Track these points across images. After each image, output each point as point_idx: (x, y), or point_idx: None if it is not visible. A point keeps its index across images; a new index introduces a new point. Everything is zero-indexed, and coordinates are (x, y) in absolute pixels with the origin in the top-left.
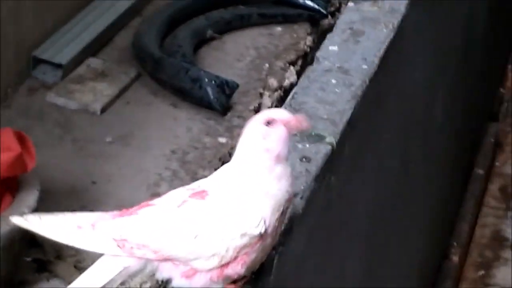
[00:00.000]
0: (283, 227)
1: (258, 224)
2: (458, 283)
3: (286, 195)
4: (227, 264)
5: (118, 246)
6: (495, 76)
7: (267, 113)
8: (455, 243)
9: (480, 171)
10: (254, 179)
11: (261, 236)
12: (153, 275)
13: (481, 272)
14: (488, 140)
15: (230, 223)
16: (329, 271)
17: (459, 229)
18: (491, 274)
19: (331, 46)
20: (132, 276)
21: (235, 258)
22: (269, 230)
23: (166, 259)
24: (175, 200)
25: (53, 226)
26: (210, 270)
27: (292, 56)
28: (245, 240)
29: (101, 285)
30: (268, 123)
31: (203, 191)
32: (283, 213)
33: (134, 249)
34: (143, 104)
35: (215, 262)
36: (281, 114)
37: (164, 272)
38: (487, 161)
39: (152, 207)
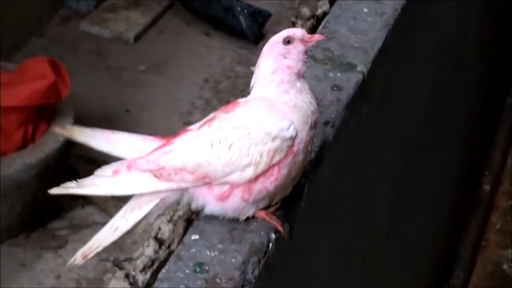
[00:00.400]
0: (313, 151)
1: (289, 127)
2: (490, 212)
3: (312, 107)
4: (258, 177)
5: (156, 176)
6: None
7: (284, 32)
8: (487, 172)
9: None
10: (280, 93)
11: (292, 145)
12: (188, 205)
13: None
14: None
15: (261, 128)
16: (360, 199)
17: (491, 158)
18: None
19: None
20: (169, 208)
21: (269, 169)
22: (301, 146)
23: (203, 180)
24: (206, 118)
25: (89, 184)
26: (245, 184)
27: None
28: (277, 143)
29: (140, 218)
30: (286, 41)
31: (234, 103)
32: (311, 128)
33: (172, 175)
34: (176, 33)
35: (250, 172)
36: (297, 32)
37: (199, 198)
38: None
39: (184, 134)
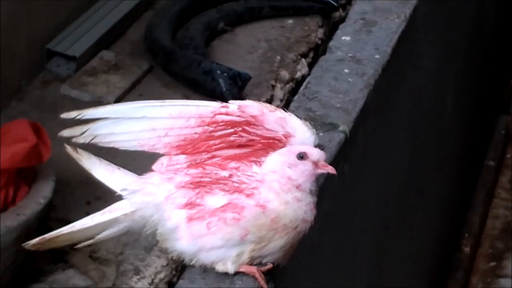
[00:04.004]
0: None
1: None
2: (470, 274)
3: (305, 216)
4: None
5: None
6: (505, 69)
7: (303, 148)
8: (466, 234)
9: (491, 163)
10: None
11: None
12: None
13: (493, 263)
14: (499, 132)
15: None
16: (342, 258)
17: (470, 220)
18: (502, 265)
19: (343, 36)
20: (137, 223)
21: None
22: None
23: None
24: None
25: None
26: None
27: (303, 49)
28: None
29: (104, 220)
30: (300, 156)
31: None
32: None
33: None
34: (156, 96)
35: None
36: (315, 153)
37: (170, 220)
38: (498, 153)
39: None
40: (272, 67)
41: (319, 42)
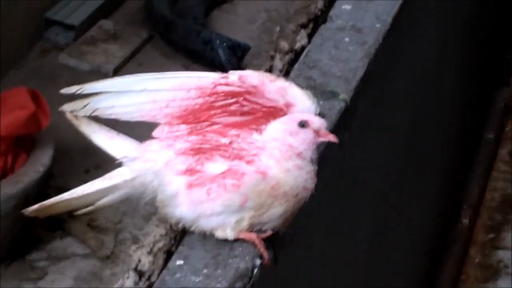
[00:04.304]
0: None
1: None
2: (468, 246)
3: (306, 184)
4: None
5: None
6: (506, 40)
7: (304, 116)
8: (465, 206)
9: (490, 136)
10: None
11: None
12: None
13: (491, 235)
14: (498, 105)
15: None
16: (342, 227)
17: (469, 193)
18: (501, 237)
19: (344, 5)
20: (137, 189)
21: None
22: (280, 190)
23: None
24: None
25: None
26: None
27: (303, 19)
28: None
29: (104, 186)
30: (301, 124)
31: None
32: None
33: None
34: (155, 66)
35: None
36: (316, 121)
37: (170, 186)
38: (497, 126)
39: None
40: (271, 38)
41: (319, 13)
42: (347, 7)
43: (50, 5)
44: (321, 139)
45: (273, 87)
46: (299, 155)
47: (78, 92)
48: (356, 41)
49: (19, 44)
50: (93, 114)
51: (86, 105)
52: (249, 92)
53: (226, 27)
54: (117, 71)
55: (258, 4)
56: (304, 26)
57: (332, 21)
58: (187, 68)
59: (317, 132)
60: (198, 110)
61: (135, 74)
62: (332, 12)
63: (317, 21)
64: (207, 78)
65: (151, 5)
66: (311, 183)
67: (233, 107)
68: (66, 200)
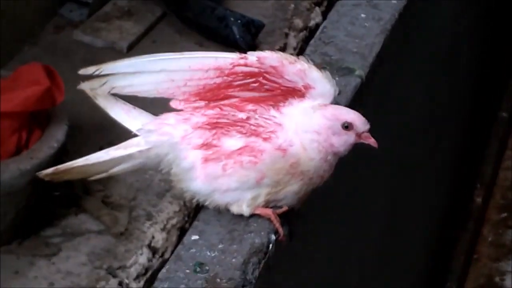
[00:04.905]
0: None
1: None
2: (481, 225)
3: (323, 173)
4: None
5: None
6: None
7: (350, 116)
8: (478, 185)
9: (504, 114)
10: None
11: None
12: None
13: (504, 214)
14: None
15: None
16: (357, 204)
17: (482, 171)
18: None
19: None
20: (152, 160)
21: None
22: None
23: None
24: None
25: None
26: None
27: None
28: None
29: (119, 155)
30: (345, 126)
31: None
32: (308, 184)
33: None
34: (169, 43)
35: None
36: (360, 124)
37: (186, 160)
38: (511, 104)
39: None
40: (285, 15)
41: None
42: None
43: None
44: (362, 141)
45: (293, 69)
46: (335, 154)
47: (96, 73)
48: (372, 17)
49: (34, 20)
50: (111, 92)
51: (104, 83)
52: (268, 73)
53: (241, 4)
54: (131, 48)
55: None
56: (318, 4)
57: None
58: (200, 45)
59: (359, 135)
60: (217, 88)
61: (153, 54)
62: None
63: None
64: (225, 59)
65: None
66: (328, 174)
67: (251, 86)
68: (80, 166)
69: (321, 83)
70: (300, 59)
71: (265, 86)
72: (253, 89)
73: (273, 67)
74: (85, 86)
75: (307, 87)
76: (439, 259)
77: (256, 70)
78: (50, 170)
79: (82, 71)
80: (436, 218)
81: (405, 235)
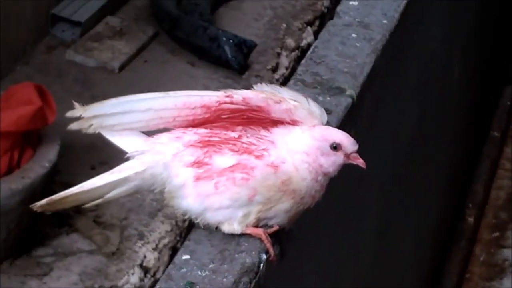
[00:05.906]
0: None
1: None
2: (473, 244)
3: (314, 193)
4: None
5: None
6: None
7: (337, 137)
8: (470, 205)
9: (496, 134)
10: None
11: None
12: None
13: (496, 234)
14: (504, 103)
15: None
16: (348, 224)
17: (474, 191)
18: (505, 236)
19: (351, 1)
20: (147, 181)
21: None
22: (291, 186)
23: None
24: None
25: None
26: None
27: (309, 17)
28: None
29: (114, 179)
30: (333, 146)
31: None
32: (299, 204)
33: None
34: (161, 63)
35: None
36: (348, 145)
37: (177, 178)
38: (503, 124)
39: None
40: (277, 35)
41: (325, 10)
42: (354, 3)
43: (57, 1)
44: (350, 162)
45: (279, 108)
46: (325, 174)
47: (83, 115)
48: (363, 37)
49: (26, 39)
50: (101, 130)
51: (92, 124)
52: (254, 110)
53: (233, 24)
54: (123, 68)
55: (264, 1)
56: (310, 23)
57: (339, 17)
58: (192, 65)
59: (347, 156)
60: (205, 121)
61: (137, 94)
62: (339, 8)
63: (324, 18)
64: (211, 97)
65: (157, 1)
66: (319, 194)
67: (239, 120)
68: (74, 194)
69: (308, 120)
70: (285, 99)
71: (252, 119)
72: (241, 120)
73: (259, 106)
74: (74, 127)
75: (295, 122)
76: (431, 279)
77: (242, 107)
78: (43, 201)
79: (69, 114)
80: (428, 238)
81: (397, 255)
